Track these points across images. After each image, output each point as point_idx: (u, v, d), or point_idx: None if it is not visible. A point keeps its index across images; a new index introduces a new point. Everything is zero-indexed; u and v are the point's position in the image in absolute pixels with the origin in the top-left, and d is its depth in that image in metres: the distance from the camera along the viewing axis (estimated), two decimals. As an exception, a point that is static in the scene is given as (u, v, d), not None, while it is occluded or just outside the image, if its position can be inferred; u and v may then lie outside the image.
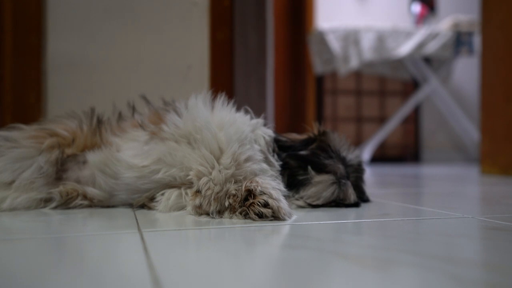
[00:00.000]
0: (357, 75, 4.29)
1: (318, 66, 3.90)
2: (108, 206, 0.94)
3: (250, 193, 0.77)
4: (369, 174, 2.42)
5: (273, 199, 0.76)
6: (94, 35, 1.52)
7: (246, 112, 0.97)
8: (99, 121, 1.02)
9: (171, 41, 1.60)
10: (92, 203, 0.94)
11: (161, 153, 0.90)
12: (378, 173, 2.72)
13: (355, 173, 1.02)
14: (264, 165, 0.86)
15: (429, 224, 0.76)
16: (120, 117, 1.05)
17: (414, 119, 4.45)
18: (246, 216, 0.76)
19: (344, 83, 4.29)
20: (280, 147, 0.97)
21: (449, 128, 4.51)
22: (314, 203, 0.93)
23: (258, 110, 2.74)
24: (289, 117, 4.55)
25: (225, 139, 0.84)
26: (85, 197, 0.93)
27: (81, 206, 0.93)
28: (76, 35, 1.50)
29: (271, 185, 0.79)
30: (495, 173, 2.24)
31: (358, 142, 4.38)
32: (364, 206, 0.96)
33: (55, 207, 0.92)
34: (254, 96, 2.47)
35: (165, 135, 0.91)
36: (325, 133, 1.01)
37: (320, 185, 0.93)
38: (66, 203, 0.93)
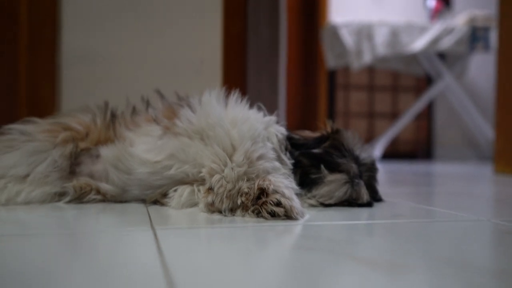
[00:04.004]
0: (370, 70, 4.26)
1: (330, 60, 3.87)
2: (121, 201, 0.95)
3: (262, 192, 0.77)
4: (381, 172, 2.40)
5: (286, 198, 0.76)
6: (108, 29, 1.53)
7: (259, 109, 0.97)
8: (113, 116, 1.02)
9: (184, 35, 1.60)
10: (105, 198, 0.94)
11: (174, 149, 0.90)
12: (390, 171, 2.71)
13: (368, 172, 1.01)
14: (277, 163, 0.86)
15: (443, 226, 0.75)
16: (134, 111, 1.05)
17: (427, 115, 4.41)
18: (258, 214, 0.76)
19: (357, 78, 4.26)
20: (292, 145, 0.97)
21: (463, 125, 4.47)
22: (327, 202, 0.92)
23: (270, 104, 2.74)
24: (301, 111, 4.54)
25: (238, 136, 0.84)
26: (98, 192, 0.94)
27: (94, 201, 0.94)
28: (90, 29, 1.51)
29: (283, 183, 0.79)
30: (509, 173, 2.21)
31: (370, 138, 4.36)
32: (376, 206, 0.96)
33: (69, 202, 0.93)
34: (266, 90, 2.47)
35: (179, 130, 0.91)
36: (338, 131, 1.01)
37: (333, 184, 0.92)
38: (79, 198, 0.93)
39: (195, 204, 0.87)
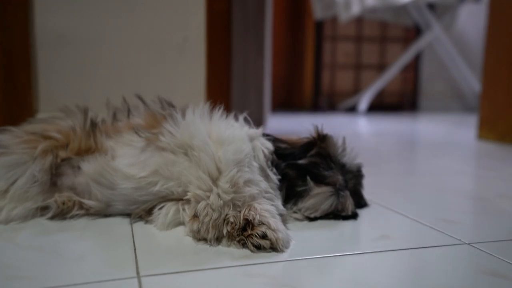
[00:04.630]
0: (358, 20, 4.15)
1: (318, 11, 3.75)
2: (105, 215, 0.93)
3: (248, 223, 0.76)
4: (365, 137, 2.41)
5: (272, 230, 0.75)
6: (85, 8, 1.44)
7: (246, 121, 0.94)
8: (93, 124, 0.98)
9: (166, 13, 1.51)
10: (89, 213, 0.93)
11: (158, 165, 0.88)
12: (374, 132, 2.71)
13: (353, 180, 1.01)
14: (263, 185, 0.84)
15: (434, 256, 0.77)
16: (115, 117, 1.02)
17: (414, 67, 4.37)
18: (244, 245, 0.76)
19: (344, 29, 4.15)
20: (279, 156, 0.95)
21: (449, 77, 4.45)
22: (312, 215, 0.92)
23: (256, 69, 2.67)
24: (288, 64, 4.45)
25: (223, 159, 0.82)
26: (81, 207, 0.93)
27: (78, 216, 0.92)
28: (65, 9, 1.42)
29: (269, 212, 0.79)
30: (492, 139, 2.23)
31: (356, 90, 4.34)
32: (361, 217, 0.96)
33: (52, 217, 0.91)
34: (252, 55, 2.41)
35: (162, 145, 0.89)
36: (325, 138, 0.99)
37: (319, 197, 0.92)
38: (62, 213, 0.92)
39: (180, 223, 0.87)
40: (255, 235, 0.75)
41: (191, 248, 0.77)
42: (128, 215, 0.93)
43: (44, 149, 0.94)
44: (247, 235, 0.75)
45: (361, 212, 0.99)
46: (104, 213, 0.94)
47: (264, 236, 0.75)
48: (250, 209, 0.78)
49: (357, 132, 2.78)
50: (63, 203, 0.92)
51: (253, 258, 0.72)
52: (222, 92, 1.58)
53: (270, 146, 0.93)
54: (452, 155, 1.95)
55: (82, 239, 0.82)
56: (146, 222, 0.90)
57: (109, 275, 0.65)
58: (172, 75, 1.53)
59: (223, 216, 0.78)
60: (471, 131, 2.67)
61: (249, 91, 2.30)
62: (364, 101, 4.01)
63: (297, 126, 2.84)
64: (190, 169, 0.85)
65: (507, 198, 1.17)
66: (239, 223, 0.77)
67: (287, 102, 4.36)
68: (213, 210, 0.78)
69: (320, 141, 0.99)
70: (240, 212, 0.78)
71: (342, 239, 0.84)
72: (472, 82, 4.17)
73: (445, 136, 2.64)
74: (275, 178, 0.90)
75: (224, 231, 0.77)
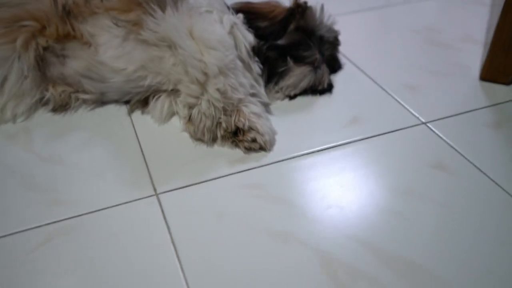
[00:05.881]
0: None
1: None
2: (103, 103, 1.00)
3: (238, 129, 0.87)
4: None
5: (260, 134, 0.87)
6: None
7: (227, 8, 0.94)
8: (65, 9, 0.95)
9: None
10: (87, 103, 1.00)
11: (143, 61, 0.93)
12: None
13: (330, 48, 1.07)
14: (247, 84, 0.91)
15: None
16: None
17: None
18: (236, 146, 0.89)
19: None
20: (260, 37, 0.98)
21: None
22: (292, 93, 1.02)
23: None
24: None
25: (209, 65, 0.85)
26: (77, 98, 0.99)
27: (77, 107, 0.99)
28: None
29: (256, 114, 0.89)
30: None
31: None
32: (335, 91, 1.06)
33: (54, 110, 0.98)
34: None
35: (143, 38, 0.91)
36: (304, 12, 1.01)
37: (299, 75, 1.00)
38: (62, 105, 0.98)
39: (174, 114, 0.97)
40: (246, 140, 0.87)
41: (192, 153, 0.89)
42: (125, 102, 1.00)
43: (24, 42, 0.94)
44: (239, 140, 0.87)
45: (336, 78, 1.09)
46: (101, 100, 1.01)
47: (253, 140, 0.87)
48: (239, 115, 0.88)
49: None
50: (60, 96, 0.98)
51: (246, 161, 0.87)
52: None
53: (251, 38, 0.95)
54: None
55: (93, 144, 0.91)
56: (143, 112, 0.99)
57: (131, 195, 0.79)
58: None
59: (215, 122, 0.88)
60: None
61: None
62: None
63: None
64: (176, 67, 0.90)
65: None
66: (231, 127, 0.88)
67: None
68: (206, 117, 0.88)
69: (299, 14, 1.01)
70: (230, 116, 0.88)
71: (317, 128, 0.96)
72: None
73: None
74: (257, 68, 0.96)
75: (218, 135, 0.89)
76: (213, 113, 0.87)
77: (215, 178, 0.83)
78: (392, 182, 0.82)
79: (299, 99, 1.03)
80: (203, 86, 0.87)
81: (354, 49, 1.21)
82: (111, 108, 1.00)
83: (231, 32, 0.93)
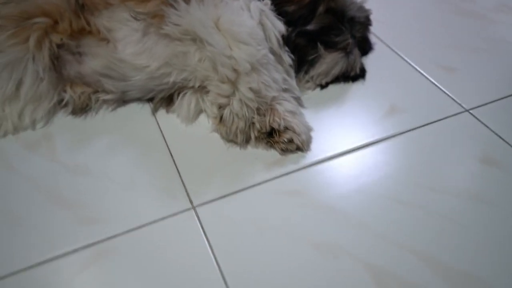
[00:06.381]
0: None
1: None
2: (124, 102, 0.95)
3: (273, 129, 0.82)
4: None
5: (296, 134, 0.82)
6: None
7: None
8: (79, 4, 0.88)
9: None
10: (108, 103, 0.94)
11: (167, 57, 0.86)
12: None
13: (362, 29, 1.00)
14: (280, 79, 0.85)
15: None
16: (101, -11, 0.90)
17: None
18: (271, 147, 0.84)
19: None
20: (288, 23, 0.91)
21: None
22: (323, 81, 0.96)
23: None
24: None
25: (240, 62, 0.79)
26: (98, 99, 0.93)
27: (97, 108, 0.93)
28: None
29: (291, 112, 0.83)
30: None
31: None
32: (368, 76, 1.00)
33: (73, 112, 0.92)
34: None
35: (165, 32, 0.85)
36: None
37: (330, 63, 0.94)
38: (82, 106, 0.93)
39: (201, 112, 0.91)
40: (282, 142, 0.82)
41: (225, 156, 0.84)
42: (148, 100, 0.94)
43: (37, 41, 0.88)
44: (274, 141, 0.82)
45: (367, 61, 1.03)
46: (122, 99, 0.95)
47: (290, 141, 0.82)
48: (274, 115, 0.82)
49: None
50: (79, 98, 0.92)
51: (283, 164, 0.82)
52: None
53: (281, 27, 0.88)
54: None
55: (118, 149, 0.86)
56: (168, 111, 0.93)
57: (167, 209, 0.75)
58: None
59: (248, 123, 0.83)
60: None
61: None
62: None
63: None
64: (203, 63, 0.84)
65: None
66: (265, 128, 0.82)
67: None
68: (239, 118, 0.82)
69: (328, -5, 0.93)
70: (264, 116, 0.83)
71: (353, 121, 0.91)
72: None
73: None
74: (288, 58, 0.90)
75: (252, 136, 0.84)
76: (246, 113, 0.82)
77: (252, 186, 0.78)
78: (440, 182, 0.78)
79: (331, 88, 0.97)
80: (234, 84, 0.81)
81: (382, 26, 1.13)
82: (134, 107, 0.94)
83: (260, 21, 0.85)
